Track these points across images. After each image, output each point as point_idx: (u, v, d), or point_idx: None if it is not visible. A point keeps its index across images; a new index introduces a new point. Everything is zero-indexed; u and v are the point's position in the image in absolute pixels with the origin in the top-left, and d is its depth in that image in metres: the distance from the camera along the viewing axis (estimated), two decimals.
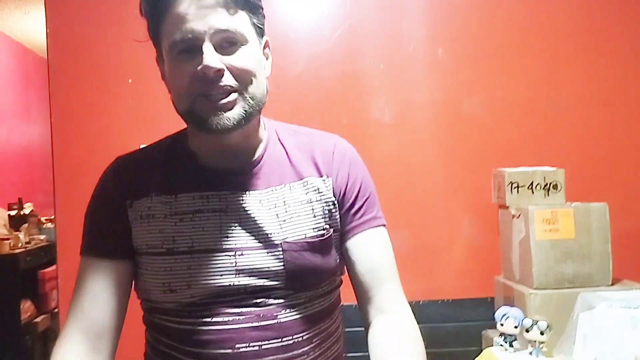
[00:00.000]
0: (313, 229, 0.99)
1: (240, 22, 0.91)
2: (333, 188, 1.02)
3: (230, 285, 0.93)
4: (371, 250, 1.04)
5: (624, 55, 2.31)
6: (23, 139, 4.78)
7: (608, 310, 1.46)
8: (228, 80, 0.90)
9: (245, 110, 0.92)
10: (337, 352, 1.05)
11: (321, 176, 1.03)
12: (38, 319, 3.78)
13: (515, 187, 1.87)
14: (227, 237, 0.95)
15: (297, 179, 1.01)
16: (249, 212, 0.97)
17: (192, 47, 0.89)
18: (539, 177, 1.86)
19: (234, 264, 0.94)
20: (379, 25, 2.27)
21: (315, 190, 1.01)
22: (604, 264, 1.75)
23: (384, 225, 1.08)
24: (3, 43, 4.52)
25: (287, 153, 1.03)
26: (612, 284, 1.75)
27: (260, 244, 0.96)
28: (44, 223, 4.16)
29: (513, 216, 1.85)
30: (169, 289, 0.94)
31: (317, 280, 1.00)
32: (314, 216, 1.00)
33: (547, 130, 2.27)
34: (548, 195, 1.86)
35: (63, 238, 2.17)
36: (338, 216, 1.03)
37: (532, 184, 1.86)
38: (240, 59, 0.91)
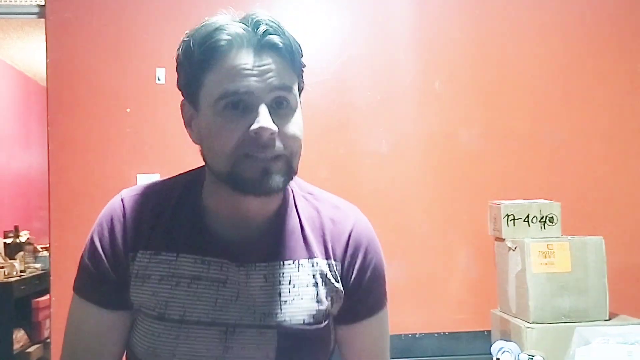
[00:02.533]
0: (313, 315, 0.92)
1: (293, 85, 0.88)
2: (341, 275, 0.95)
3: None
4: (367, 339, 1.00)
5: (622, 90, 2.34)
6: (22, 165, 4.79)
7: (604, 345, 1.45)
8: (278, 144, 0.84)
9: (287, 177, 0.87)
10: None
11: (330, 259, 0.95)
12: (31, 349, 3.74)
13: (511, 220, 1.87)
14: (222, 310, 0.90)
15: (306, 256, 0.94)
16: (249, 287, 0.91)
17: (243, 103, 0.83)
18: (535, 210, 1.86)
19: (223, 341, 0.89)
20: (376, 57, 2.30)
21: (322, 273, 0.94)
22: (600, 298, 1.74)
23: (386, 305, 1.01)
24: (5, 71, 4.57)
25: (301, 224, 0.95)
26: (609, 319, 1.74)
27: (254, 323, 0.90)
28: (40, 251, 4.14)
29: (509, 249, 1.84)
30: (153, 353, 0.90)
31: None
32: (317, 302, 0.93)
33: (544, 163, 2.28)
34: (544, 228, 1.86)
35: (57, 267, 2.15)
36: (341, 302, 0.96)
37: (528, 216, 1.86)
38: (291, 125, 0.86)
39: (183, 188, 0.96)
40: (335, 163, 2.26)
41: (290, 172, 0.87)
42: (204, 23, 0.86)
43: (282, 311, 0.91)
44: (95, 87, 2.23)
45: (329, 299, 0.93)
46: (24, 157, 4.84)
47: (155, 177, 2.20)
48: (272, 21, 0.85)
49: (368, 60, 2.30)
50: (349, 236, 0.96)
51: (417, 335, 2.14)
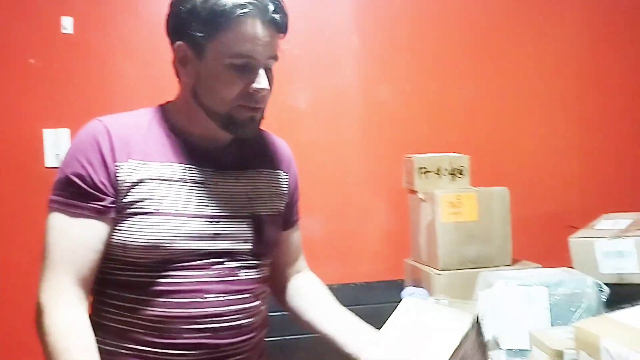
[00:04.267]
0: (272, 209, 1.20)
1: (278, 54, 1.10)
2: (287, 183, 1.26)
3: (207, 247, 1.08)
4: (297, 238, 1.35)
5: (528, 50, 2.43)
6: None
7: (505, 288, 1.54)
8: (264, 99, 1.09)
9: (261, 121, 1.13)
10: (266, 313, 1.23)
11: (280, 170, 1.25)
12: None
13: (423, 172, 1.93)
14: (207, 205, 1.10)
15: (265, 167, 1.22)
16: (225, 186, 1.13)
17: (249, 65, 1.05)
18: (446, 162, 1.93)
19: (212, 229, 1.09)
20: (295, 11, 2.27)
21: (276, 180, 1.23)
22: (504, 245, 1.84)
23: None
24: None
25: (253, 142, 1.21)
26: (511, 265, 1.85)
27: (233, 214, 1.12)
28: None
29: (421, 200, 1.91)
30: (153, 245, 1.04)
31: (272, 250, 1.22)
32: (273, 199, 1.21)
33: (455, 119, 2.36)
34: (454, 180, 1.93)
35: None
36: (285, 205, 1.25)
37: (439, 169, 1.93)
38: (271, 84, 1.10)
39: (152, 113, 1.14)
40: None
41: (262, 120, 1.13)
42: None
43: (251, 205, 1.16)
44: None
45: (281, 199, 1.23)
46: None
47: (64, 132, 2.11)
48: (278, 0, 1.08)
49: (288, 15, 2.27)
50: (290, 156, 1.29)
51: (334, 286, 2.19)
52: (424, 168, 1.93)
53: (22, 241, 1.97)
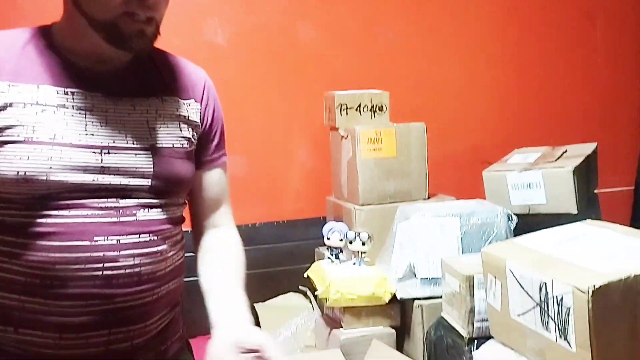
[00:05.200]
0: (179, 141, 1.05)
1: None
2: (200, 114, 1.10)
3: (93, 181, 0.94)
4: (221, 179, 1.17)
5: None
6: None
7: (421, 219, 1.60)
8: (155, 8, 0.93)
9: (154, 39, 0.97)
10: (181, 260, 1.11)
11: (191, 99, 1.09)
12: None
13: (344, 109, 1.93)
14: (93, 135, 0.96)
15: (169, 94, 1.06)
16: (119, 114, 0.99)
17: None
18: (367, 99, 1.94)
19: (99, 161, 0.95)
20: None
21: (184, 109, 1.07)
22: (421, 180, 1.89)
23: (226, 154, 1.20)
24: None
25: (159, 67, 1.08)
26: (428, 198, 1.90)
27: (128, 145, 0.98)
28: None
29: (342, 137, 1.92)
30: (23, 178, 0.90)
31: (178, 188, 1.06)
32: (181, 130, 1.05)
33: (376, 56, 2.36)
34: (374, 117, 1.95)
35: None
36: (196, 140, 1.10)
37: (360, 105, 1.93)
38: None
39: (31, 32, 0.99)
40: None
41: (157, 35, 0.98)
42: None
43: (152, 135, 1.01)
44: None
45: (191, 131, 1.07)
46: None
47: None
48: None
49: None
50: (205, 83, 1.12)
51: (257, 225, 2.21)
52: (345, 105, 1.93)
53: None
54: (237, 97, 2.22)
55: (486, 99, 2.54)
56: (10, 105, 0.91)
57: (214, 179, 1.16)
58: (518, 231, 1.57)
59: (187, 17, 2.16)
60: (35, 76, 0.94)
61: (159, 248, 1.01)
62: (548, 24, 2.60)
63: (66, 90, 0.95)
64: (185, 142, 1.06)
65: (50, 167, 0.91)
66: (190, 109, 1.09)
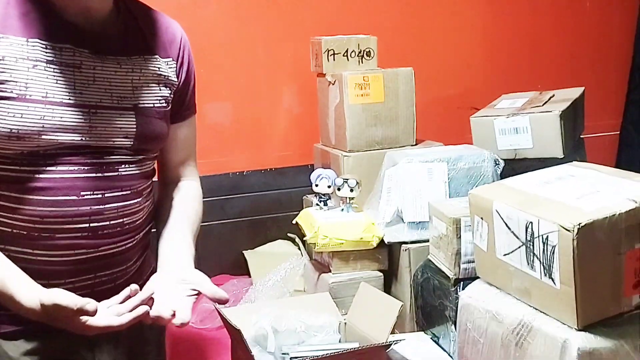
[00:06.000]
0: (159, 101, 1.10)
1: None
2: (176, 72, 1.15)
3: (81, 141, 0.98)
4: (189, 134, 1.24)
5: None
6: None
7: (409, 164, 1.60)
8: None
9: None
10: (152, 208, 1.19)
11: (169, 57, 1.13)
12: None
13: (331, 55, 1.90)
14: (82, 93, 0.98)
15: (150, 53, 1.10)
16: (106, 72, 1.02)
17: None
18: (354, 44, 1.91)
19: (87, 121, 0.98)
20: None
21: (165, 69, 1.12)
22: (408, 125, 1.88)
23: (196, 111, 1.27)
24: None
25: (140, 25, 1.10)
26: (416, 144, 1.90)
27: (113, 105, 1.02)
28: None
29: (329, 83, 1.90)
30: (15, 136, 0.93)
31: (156, 146, 1.13)
32: (160, 90, 1.10)
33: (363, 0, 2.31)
34: (362, 62, 1.92)
35: None
36: (173, 96, 1.15)
37: (347, 51, 1.90)
38: None
39: None
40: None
41: None
42: None
43: (135, 95, 1.06)
44: None
45: (168, 89, 1.12)
46: None
47: None
48: None
49: None
50: (181, 40, 1.16)
51: (244, 173, 2.20)
52: (332, 50, 1.90)
53: None
54: (221, 42, 2.18)
55: (474, 45, 2.51)
56: (3, 58, 0.92)
57: (182, 132, 1.22)
58: (504, 176, 1.58)
59: None
60: (26, 29, 0.95)
61: (137, 200, 1.09)
62: None
63: (55, 45, 0.96)
64: (164, 101, 1.11)
65: (43, 127, 0.94)
66: (169, 68, 1.13)
